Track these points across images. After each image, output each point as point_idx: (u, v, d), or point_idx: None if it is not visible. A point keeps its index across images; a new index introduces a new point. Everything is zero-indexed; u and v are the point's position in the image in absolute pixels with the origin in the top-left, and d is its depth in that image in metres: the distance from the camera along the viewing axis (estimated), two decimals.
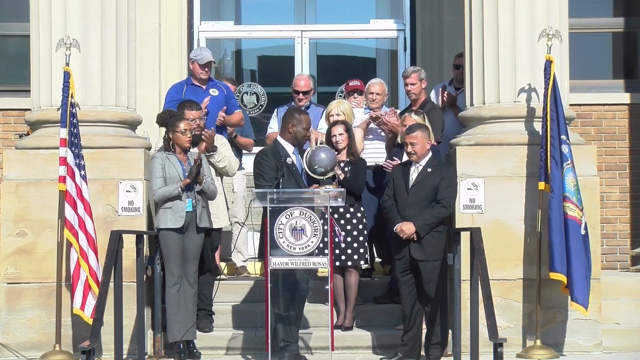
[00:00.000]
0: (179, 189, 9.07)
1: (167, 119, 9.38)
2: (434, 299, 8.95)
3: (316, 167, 8.88)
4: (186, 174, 9.15)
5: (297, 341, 8.79)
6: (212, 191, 9.29)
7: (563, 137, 9.19)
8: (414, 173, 9.07)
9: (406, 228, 8.87)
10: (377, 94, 10.37)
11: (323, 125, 10.40)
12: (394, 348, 9.14)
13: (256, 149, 10.16)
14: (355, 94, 10.85)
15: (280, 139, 9.09)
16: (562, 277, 9.11)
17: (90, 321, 8.67)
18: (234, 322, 9.89)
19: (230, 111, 10.59)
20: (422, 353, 9.06)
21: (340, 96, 12.00)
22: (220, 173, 9.94)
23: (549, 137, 9.15)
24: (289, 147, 9.01)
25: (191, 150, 9.39)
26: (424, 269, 8.92)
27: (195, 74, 10.65)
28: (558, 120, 9.18)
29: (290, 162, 8.89)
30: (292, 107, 10.23)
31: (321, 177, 8.85)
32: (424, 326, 9.12)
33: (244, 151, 11.10)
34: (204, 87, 10.63)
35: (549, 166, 9.13)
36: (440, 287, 8.97)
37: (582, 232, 9.14)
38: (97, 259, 9.03)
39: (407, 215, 8.93)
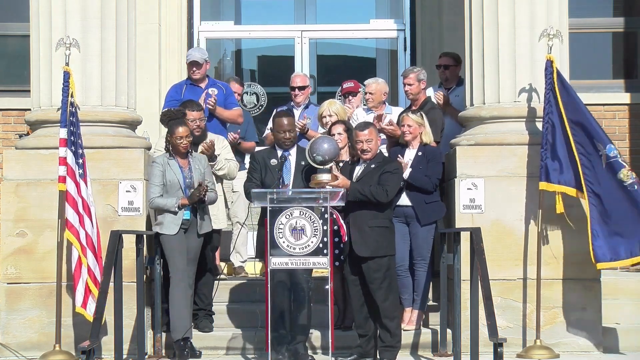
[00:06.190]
0: (176, 207, 9.05)
1: (167, 122, 9.34)
2: (381, 301, 8.73)
3: (315, 155, 8.74)
4: (186, 180, 9.11)
5: (289, 342, 8.74)
6: (212, 200, 9.34)
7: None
8: (359, 170, 8.95)
9: (341, 179, 8.70)
10: (370, 93, 10.42)
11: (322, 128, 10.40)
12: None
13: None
14: (350, 97, 10.85)
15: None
16: None
17: (92, 319, 8.65)
18: (234, 322, 9.89)
19: (228, 108, 10.60)
20: None
21: (339, 97, 11.99)
22: (220, 178, 9.96)
23: (570, 137, 9.14)
24: (280, 150, 9.02)
25: (194, 154, 9.33)
26: (367, 268, 8.73)
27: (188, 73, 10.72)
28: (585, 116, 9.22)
29: (274, 164, 8.90)
30: (276, 112, 10.19)
31: (320, 167, 8.76)
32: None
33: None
34: (203, 86, 10.64)
35: (580, 171, 9.11)
36: (388, 289, 8.78)
37: None
38: (96, 257, 9.03)
39: (346, 210, 8.77)
